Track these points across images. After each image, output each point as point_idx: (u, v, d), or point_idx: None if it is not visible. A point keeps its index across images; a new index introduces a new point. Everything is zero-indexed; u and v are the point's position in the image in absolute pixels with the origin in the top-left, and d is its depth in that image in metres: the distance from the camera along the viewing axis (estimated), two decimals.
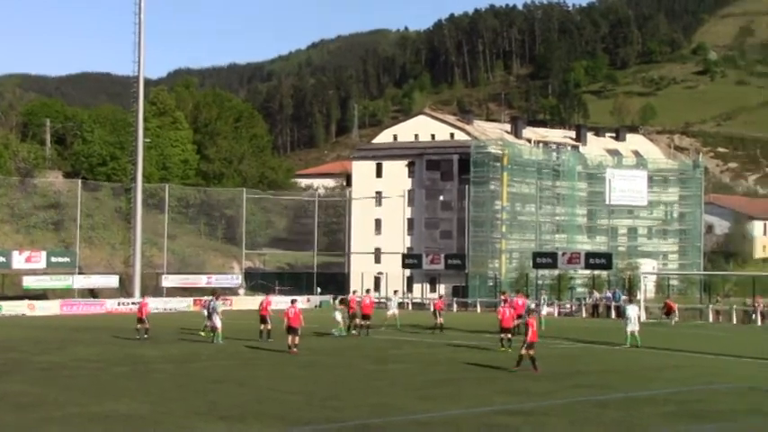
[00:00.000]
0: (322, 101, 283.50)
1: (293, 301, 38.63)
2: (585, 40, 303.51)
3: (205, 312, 43.28)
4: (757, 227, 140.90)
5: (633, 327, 40.45)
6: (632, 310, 41.59)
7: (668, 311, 59.70)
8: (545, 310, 51.14)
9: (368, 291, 51.08)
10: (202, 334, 43.15)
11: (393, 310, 51.83)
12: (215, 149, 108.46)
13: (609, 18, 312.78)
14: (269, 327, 41.70)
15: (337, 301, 48.52)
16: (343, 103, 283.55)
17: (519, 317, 40.23)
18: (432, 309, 52.91)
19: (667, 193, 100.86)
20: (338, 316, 45.99)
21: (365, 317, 46.13)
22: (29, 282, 70.52)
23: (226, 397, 24.40)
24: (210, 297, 44.40)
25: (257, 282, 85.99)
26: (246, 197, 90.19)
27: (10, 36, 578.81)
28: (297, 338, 36.14)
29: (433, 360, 34.60)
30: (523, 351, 29.80)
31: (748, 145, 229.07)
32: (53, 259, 73.16)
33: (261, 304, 43.49)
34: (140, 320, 43.15)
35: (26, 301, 66.38)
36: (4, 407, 22.50)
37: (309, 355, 35.35)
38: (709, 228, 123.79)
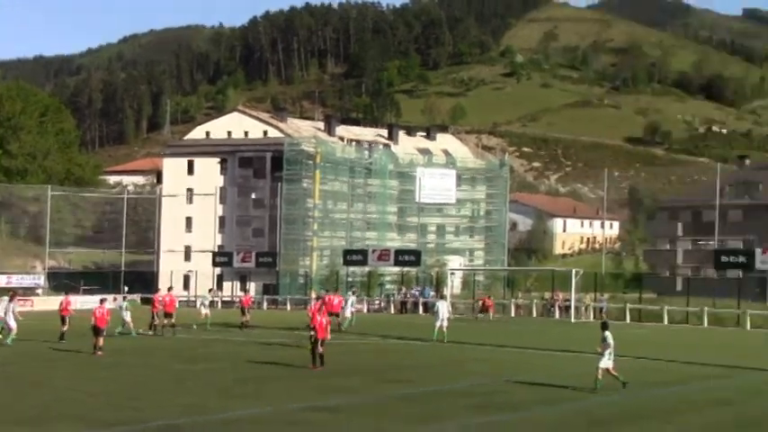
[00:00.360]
0: (133, 96, 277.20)
1: (102, 301, 37.74)
2: (399, 41, 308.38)
3: (1, 313, 41.55)
4: (558, 224, 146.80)
5: (442, 322, 41.40)
6: (441, 306, 42.69)
7: (485, 308, 60.52)
8: (351, 308, 51.11)
9: (170, 288, 50.20)
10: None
11: (206, 309, 51.22)
12: (18, 144, 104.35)
13: (421, 19, 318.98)
14: (65, 328, 40.35)
15: (126, 303, 47.48)
16: (155, 98, 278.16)
17: (334, 315, 42.08)
18: (239, 306, 52.45)
19: (475, 191, 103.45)
20: (127, 316, 44.65)
21: (168, 315, 45.16)
22: None
23: (22, 400, 23.53)
24: (6, 297, 42.69)
25: (61, 281, 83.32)
26: (51, 194, 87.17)
27: None
28: (102, 339, 35.26)
29: (242, 359, 34.36)
30: (321, 348, 29.99)
31: (551, 145, 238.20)
32: None
33: (61, 304, 42.22)
34: None
35: None
36: None
37: (114, 355, 34.48)
38: (514, 225, 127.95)
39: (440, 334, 41.16)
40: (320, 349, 29.91)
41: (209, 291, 57.47)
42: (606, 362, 24.87)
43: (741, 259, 57.77)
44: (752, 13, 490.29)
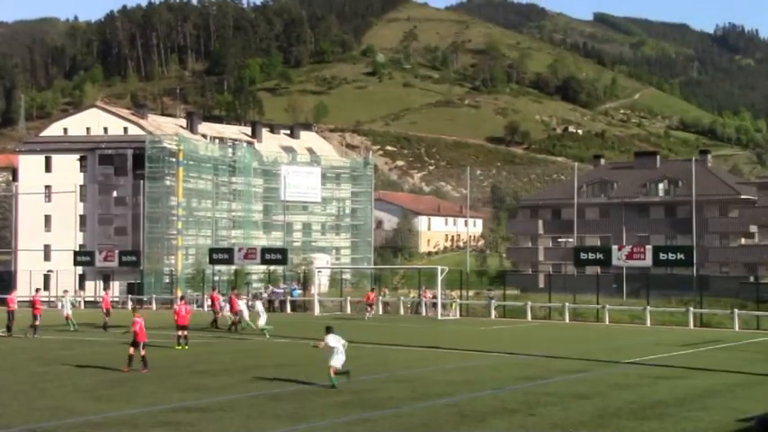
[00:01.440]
0: None
1: None
2: (260, 38, 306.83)
3: None
4: (423, 222, 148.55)
5: (262, 321, 43.37)
6: (260, 305, 45.84)
7: (370, 304, 59.52)
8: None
9: (37, 290, 49.04)
10: None
11: (67, 310, 49.85)
12: None
13: (283, 17, 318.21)
14: None
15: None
16: (8, 93, 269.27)
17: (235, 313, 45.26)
18: (102, 307, 51.19)
19: (340, 189, 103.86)
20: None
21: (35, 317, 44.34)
22: None
23: None
24: None
25: None
26: None
27: None
28: None
29: (106, 360, 33.60)
30: (132, 350, 29.51)
31: (414, 144, 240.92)
32: None
33: None
34: None
35: None
36: None
37: None
38: (379, 223, 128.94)
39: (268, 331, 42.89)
40: (141, 351, 29.46)
41: (65, 291, 55.82)
42: (334, 361, 25.95)
43: (599, 256, 59.53)
44: (601, 18, 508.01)
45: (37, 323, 44.69)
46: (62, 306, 51.26)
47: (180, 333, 37.34)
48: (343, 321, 55.23)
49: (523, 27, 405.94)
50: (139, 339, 29.23)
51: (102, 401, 23.31)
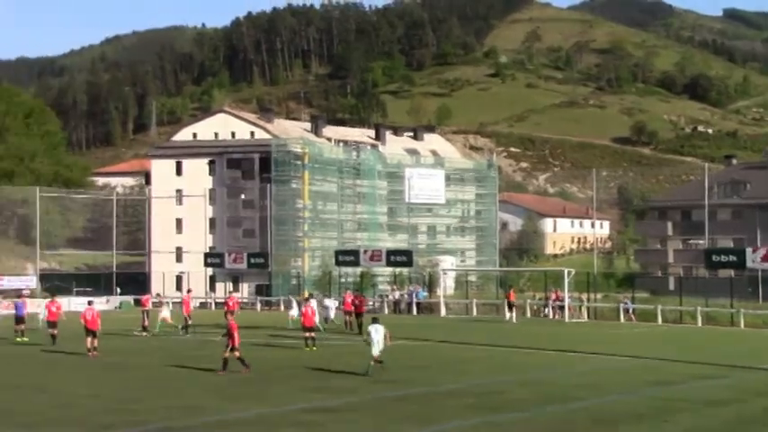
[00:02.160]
0: (118, 97, 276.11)
1: (90, 303, 37.66)
2: (382, 41, 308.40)
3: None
4: (548, 224, 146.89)
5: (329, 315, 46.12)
6: (331, 303, 47.56)
7: (510, 305, 58.13)
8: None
9: (189, 291, 50.78)
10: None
11: (165, 313, 50.98)
12: (4, 146, 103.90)
13: (405, 20, 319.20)
14: (55, 332, 39.97)
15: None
16: (140, 99, 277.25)
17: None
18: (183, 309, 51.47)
19: (464, 191, 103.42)
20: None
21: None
22: None
23: (23, 403, 23.39)
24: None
25: (54, 284, 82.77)
26: (40, 196, 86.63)
27: None
28: (96, 341, 35.10)
29: (237, 360, 34.19)
30: (227, 354, 29.52)
31: (538, 145, 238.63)
32: None
33: (46, 308, 42.00)
34: None
35: None
36: None
37: (110, 357, 34.34)
38: (504, 225, 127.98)
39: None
40: (236, 354, 29.55)
41: (156, 295, 56.90)
42: (374, 350, 28.61)
43: (732, 258, 57.75)
44: (732, 14, 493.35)
45: (189, 322, 46.00)
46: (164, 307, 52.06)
47: (307, 334, 37.62)
48: (485, 324, 54.95)
49: (649, 25, 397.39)
50: (232, 343, 29.43)
51: (233, 401, 23.72)
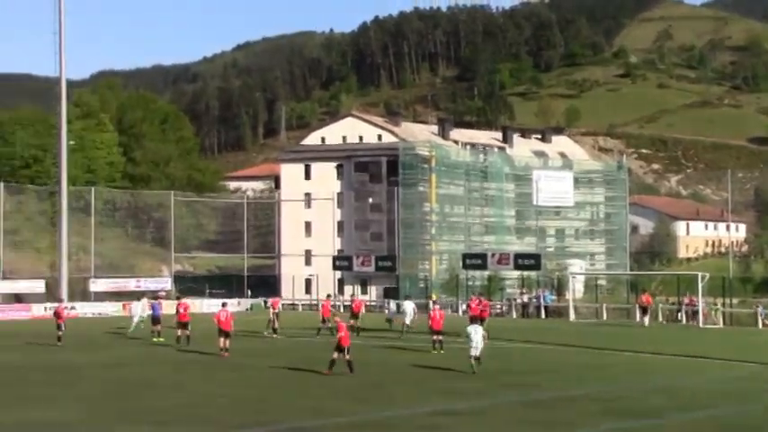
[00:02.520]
0: (249, 103, 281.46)
1: (224, 305, 38.54)
2: (509, 43, 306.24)
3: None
4: (681, 227, 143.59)
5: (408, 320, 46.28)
6: (408, 305, 47.57)
7: (644, 308, 57.27)
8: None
9: (328, 296, 51.92)
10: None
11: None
12: (141, 152, 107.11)
13: (532, 21, 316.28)
14: (188, 332, 40.96)
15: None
16: (270, 105, 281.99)
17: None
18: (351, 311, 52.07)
19: (593, 193, 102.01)
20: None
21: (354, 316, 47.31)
22: None
23: (157, 401, 24.07)
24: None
25: (187, 285, 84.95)
26: (175, 200, 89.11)
27: None
28: (228, 341, 35.84)
29: (364, 362, 34.44)
30: (336, 355, 29.47)
31: (670, 146, 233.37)
32: None
33: (177, 309, 43.03)
34: (59, 326, 42.05)
35: None
36: None
37: (240, 357, 35.02)
38: (635, 228, 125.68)
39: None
40: (346, 356, 29.49)
41: (270, 298, 57.36)
42: (473, 351, 29.71)
43: None
44: None
45: (329, 325, 46.42)
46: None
47: (435, 338, 37.65)
48: (615, 328, 54.08)
49: None
50: (343, 344, 29.50)
51: (362, 403, 23.90)
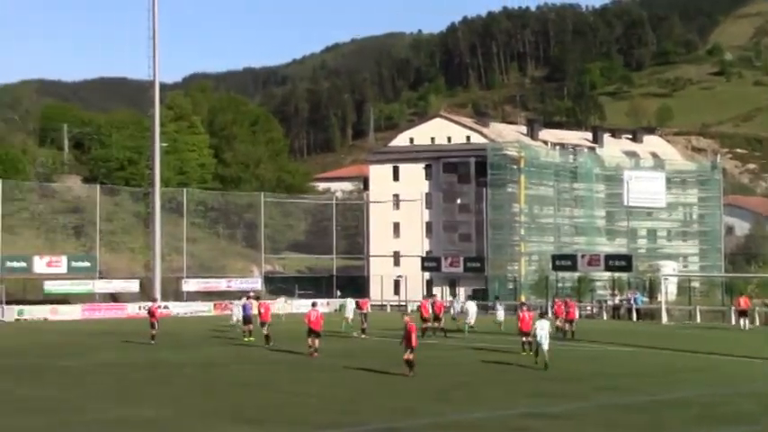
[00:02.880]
0: (337, 104, 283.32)
1: (314, 304, 38.91)
2: (600, 42, 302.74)
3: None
4: None
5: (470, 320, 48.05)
6: (471, 306, 49.53)
7: (743, 312, 55.88)
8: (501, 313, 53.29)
9: (433, 295, 52.34)
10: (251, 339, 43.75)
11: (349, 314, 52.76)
12: (232, 154, 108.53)
13: (623, 19, 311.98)
14: (265, 332, 41.71)
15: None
16: (358, 106, 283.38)
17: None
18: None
19: (686, 194, 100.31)
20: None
21: (436, 318, 47.35)
22: (50, 286, 70.62)
23: (249, 400, 24.40)
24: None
25: (277, 286, 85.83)
26: (265, 201, 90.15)
27: (27, 41, 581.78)
28: (318, 341, 36.11)
29: (453, 363, 34.44)
30: (407, 356, 29.21)
31: (766, 146, 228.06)
32: (74, 264, 73.14)
33: (258, 309, 43.69)
34: (153, 325, 42.89)
35: (48, 306, 66.43)
36: (25, 411, 22.54)
37: (328, 358, 35.27)
38: (730, 229, 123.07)
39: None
40: (410, 356, 29.19)
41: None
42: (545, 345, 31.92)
43: None
44: None
45: (436, 324, 46.68)
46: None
47: (524, 339, 37.44)
48: (710, 331, 53.09)
49: None
50: (408, 344, 29.24)
51: (450, 404, 23.89)
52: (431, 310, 47.26)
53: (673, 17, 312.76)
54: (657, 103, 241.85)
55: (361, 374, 30.62)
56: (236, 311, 49.43)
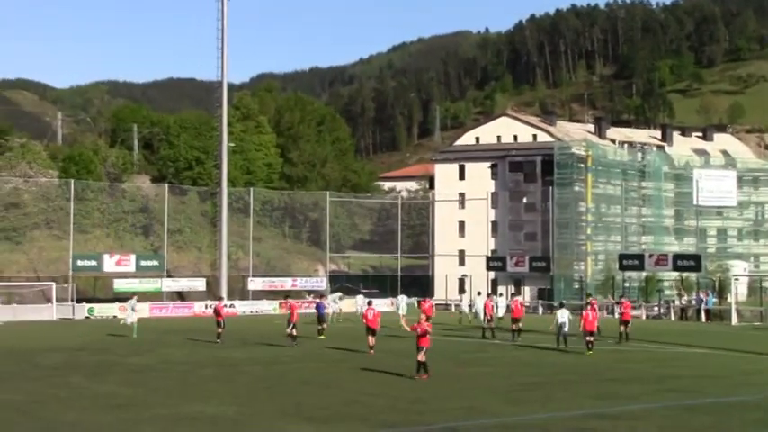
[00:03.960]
0: (404, 104, 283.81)
1: (369, 303, 39.32)
2: (670, 39, 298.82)
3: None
4: None
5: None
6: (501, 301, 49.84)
7: None
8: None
9: (489, 294, 52.96)
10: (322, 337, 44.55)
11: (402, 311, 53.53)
12: (298, 153, 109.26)
13: (694, 16, 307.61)
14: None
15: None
16: (424, 105, 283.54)
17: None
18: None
19: (758, 193, 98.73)
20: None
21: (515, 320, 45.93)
22: (119, 285, 71.86)
23: (312, 398, 24.58)
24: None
25: (342, 284, 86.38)
26: (330, 200, 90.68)
27: (98, 43, 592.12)
28: (373, 339, 36.83)
29: (518, 363, 34.34)
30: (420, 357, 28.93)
31: None
32: (142, 263, 74.44)
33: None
34: (219, 323, 43.35)
35: (117, 304, 67.75)
36: (97, 407, 23.01)
37: (392, 357, 35.42)
38: None
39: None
40: (421, 357, 28.92)
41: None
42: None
43: None
44: None
45: (494, 325, 46.71)
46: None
47: (588, 339, 37.32)
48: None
49: None
50: (421, 344, 28.92)
51: (515, 404, 23.84)
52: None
53: (746, 12, 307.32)
54: (729, 101, 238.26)
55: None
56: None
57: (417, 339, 29.06)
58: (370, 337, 36.69)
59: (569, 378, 29.53)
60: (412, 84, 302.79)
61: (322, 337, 44.21)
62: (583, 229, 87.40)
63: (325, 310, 47.50)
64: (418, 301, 64.75)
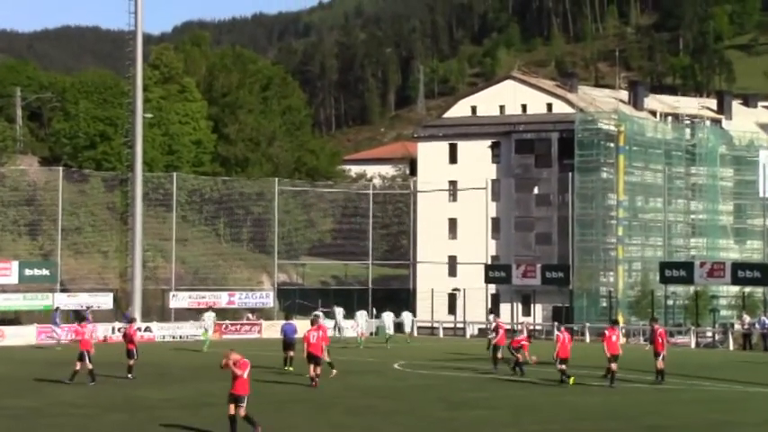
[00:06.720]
0: (377, 62, 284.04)
1: (314, 322, 41.12)
2: None
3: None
4: None
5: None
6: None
7: None
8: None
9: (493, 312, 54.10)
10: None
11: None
12: (236, 127, 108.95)
13: None
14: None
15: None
16: (404, 64, 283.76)
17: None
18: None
19: None
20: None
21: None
22: None
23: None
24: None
25: (294, 301, 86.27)
26: (279, 189, 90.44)
27: None
28: (318, 369, 38.24)
29: (527, 405, 34.33)
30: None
31: None
32: (28, 272, 73.78)
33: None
34: (129, 353, 42.78)
35: None
36: None
37: (360, 397, 35.43)
38: None
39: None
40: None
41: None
42: None
43: None
44: None
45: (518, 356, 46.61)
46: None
47: (611, 366, 38.10)
48: None
49: None
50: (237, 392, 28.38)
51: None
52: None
53: None
54: None
55: (405, 420, 30.54)
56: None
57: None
58: (312, 366, 37.94)
59: (595, 426, 29.58)
60: (388, 36, 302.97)
61: (290, 368, 44.26)
62: (612, 228, 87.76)
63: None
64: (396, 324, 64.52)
